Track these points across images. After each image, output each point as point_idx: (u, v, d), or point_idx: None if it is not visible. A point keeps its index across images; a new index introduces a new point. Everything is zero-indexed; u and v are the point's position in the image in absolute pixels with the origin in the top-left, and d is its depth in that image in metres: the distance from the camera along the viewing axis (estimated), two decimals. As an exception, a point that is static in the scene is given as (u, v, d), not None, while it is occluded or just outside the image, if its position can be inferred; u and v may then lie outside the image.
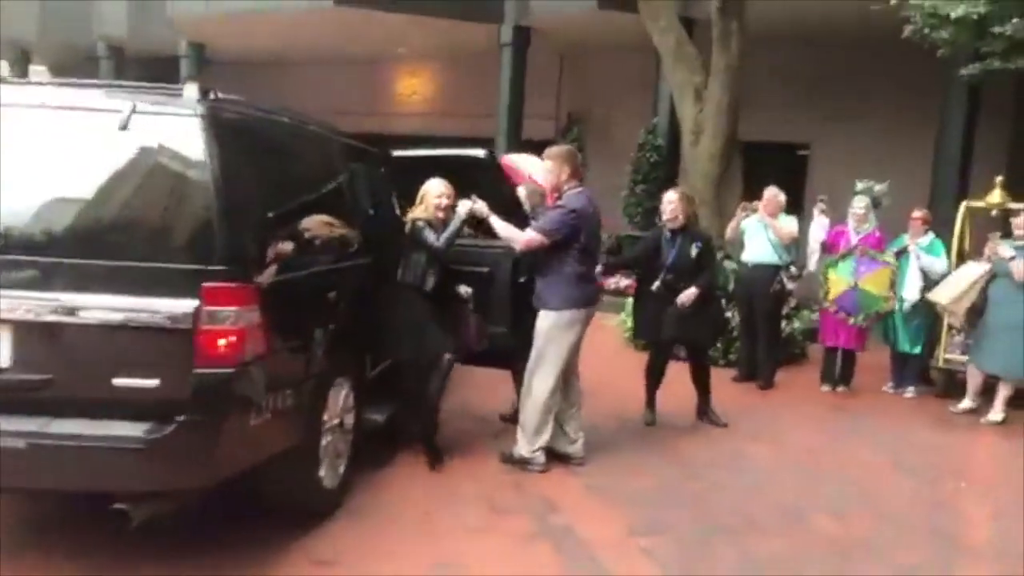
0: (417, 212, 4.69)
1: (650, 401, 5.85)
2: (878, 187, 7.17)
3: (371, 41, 14.15)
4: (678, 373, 5.99)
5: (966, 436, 6.08)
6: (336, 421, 3.97)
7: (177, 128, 3.01)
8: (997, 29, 6.75)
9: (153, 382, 2.87)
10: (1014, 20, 6.64)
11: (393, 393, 4.78)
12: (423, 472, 4.59)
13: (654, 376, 5.83)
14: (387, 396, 4.71)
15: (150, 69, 14.27)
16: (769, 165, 10.80)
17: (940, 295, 6.65)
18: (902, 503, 4.63)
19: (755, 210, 7.16)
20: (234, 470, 3.10)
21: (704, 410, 5.94)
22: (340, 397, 4.02)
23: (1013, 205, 6.91)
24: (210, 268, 2.91)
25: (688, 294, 5.48)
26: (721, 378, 6.49)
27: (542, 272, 4.68)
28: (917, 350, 7.02)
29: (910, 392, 7.07)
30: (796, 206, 10.22)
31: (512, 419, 5.66)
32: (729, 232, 7.25)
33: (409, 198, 5.35)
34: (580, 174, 4.77)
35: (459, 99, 15.17)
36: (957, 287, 6.55)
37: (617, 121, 13.45)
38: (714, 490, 4.64)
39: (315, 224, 3.77)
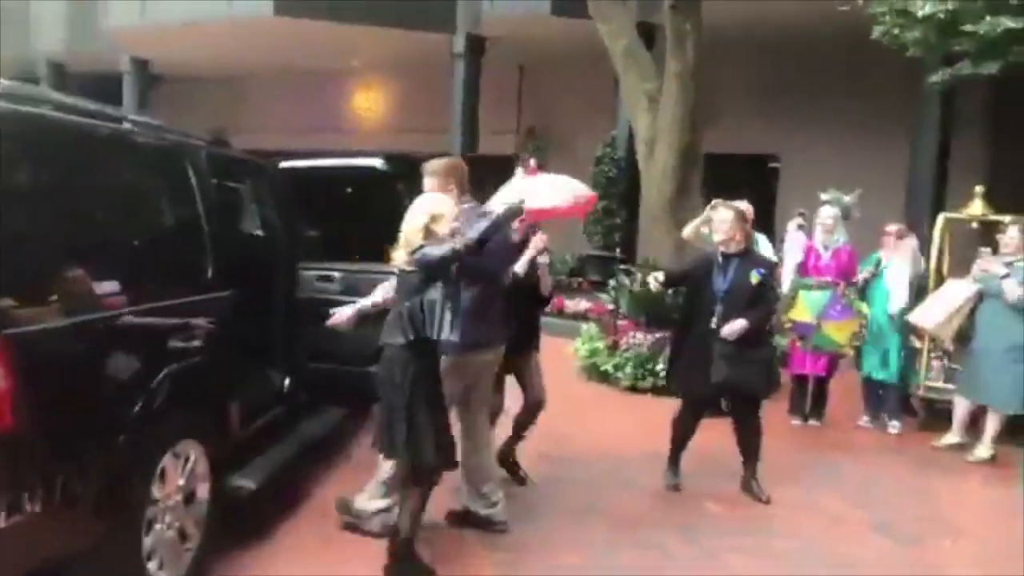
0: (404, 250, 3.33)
1: (674, 460, 4.89)
2: (847, 198, 6.51)
3: (320, 53, 13.48)
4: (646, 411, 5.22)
5: (952, 479, 5.35)
6: (178, 497, 3.19)
7: None
8: (968, 27, 6.16)
9: None
10: (986, 19, 6.04)
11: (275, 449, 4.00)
12: (313, 546, 3.79)
13: (684, 431, 4.86)
14: (264, 455, 3.93)
15: (93, 87, 13.51)
16: (736, 179, 10.13)
17: (924, 319, 5.94)
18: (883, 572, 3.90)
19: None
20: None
21: (749, 480, 4.86)
22: (185, 465, 3.24)
23: (995, 217, 6.29)
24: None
25: (735, 325, 4.50)
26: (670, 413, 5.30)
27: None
28: (893, 377, 6.31)
29: (894, 428, 6.32)
30: (766, 223, 9.61)
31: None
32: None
33: (304, 215, 4.72)
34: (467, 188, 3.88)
35: (415, 114, 14.53)
36: (943, 310, 5.82)
37: (580, 134, 12.84)
38: (658, 563, 3.88)
39: (121, 253, 2.99)
